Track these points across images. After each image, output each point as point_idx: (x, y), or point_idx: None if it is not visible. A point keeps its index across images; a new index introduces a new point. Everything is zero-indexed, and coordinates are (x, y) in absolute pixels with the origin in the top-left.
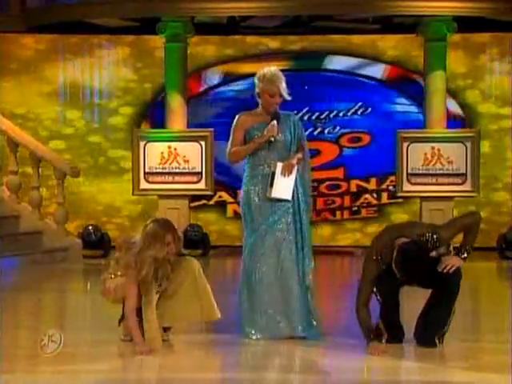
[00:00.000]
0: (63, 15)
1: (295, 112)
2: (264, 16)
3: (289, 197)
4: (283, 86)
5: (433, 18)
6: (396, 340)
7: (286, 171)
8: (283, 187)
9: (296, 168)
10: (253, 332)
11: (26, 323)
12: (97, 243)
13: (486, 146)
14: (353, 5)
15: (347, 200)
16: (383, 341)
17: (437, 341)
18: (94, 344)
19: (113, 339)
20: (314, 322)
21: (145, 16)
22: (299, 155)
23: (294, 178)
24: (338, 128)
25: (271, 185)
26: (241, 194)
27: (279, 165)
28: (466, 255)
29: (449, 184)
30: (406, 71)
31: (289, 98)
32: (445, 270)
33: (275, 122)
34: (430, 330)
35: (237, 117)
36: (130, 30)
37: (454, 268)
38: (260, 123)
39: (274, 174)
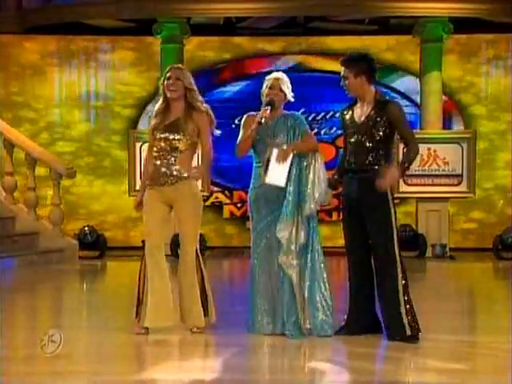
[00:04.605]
0: (59, 16)
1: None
2: (260, 17)
3: (282, 184)
4: (284, 83)
5: (429, 19)
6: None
7: (281, 158)
8: (277, 174)
9: (291, 156)
10: (250, 326)
11: (22, 324)
12: (93, 244)
13: (482, 147)
14: (349, 6)
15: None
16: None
17: (406, 327)
18: (91, 345)
19: (111, 340)
20: (302, 322)
21: (141, 17)
22: (292, 145)
23: (288, 166)
24: (334, 129)
25: (266, 171)
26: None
27: (274, 151)
28: (406, 166)
29: (445, 185)
30: (402, 72)
31: (290, 96)
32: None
33: (269, 106)
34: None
35: (245, 116)
36: (128, 31)
37: (384, 186)
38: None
39: (269, 160)
